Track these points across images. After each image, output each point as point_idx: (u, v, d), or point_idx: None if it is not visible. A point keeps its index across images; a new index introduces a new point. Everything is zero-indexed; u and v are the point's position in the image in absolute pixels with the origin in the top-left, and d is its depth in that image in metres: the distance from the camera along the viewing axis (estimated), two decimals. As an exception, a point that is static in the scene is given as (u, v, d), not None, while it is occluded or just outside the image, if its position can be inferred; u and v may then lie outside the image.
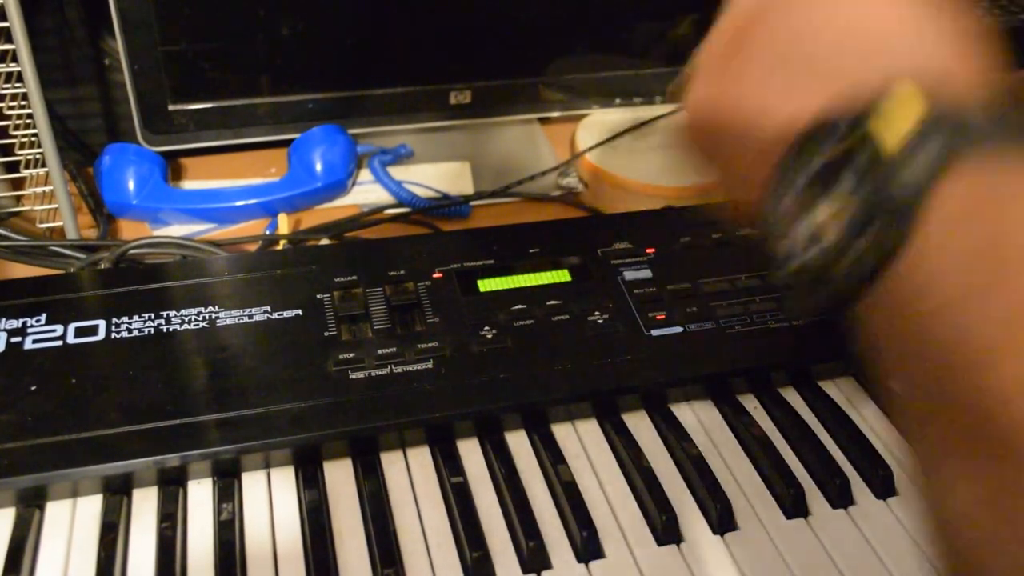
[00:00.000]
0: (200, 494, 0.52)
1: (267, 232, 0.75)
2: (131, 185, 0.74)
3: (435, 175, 0.83)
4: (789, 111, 0.28)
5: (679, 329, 0.60)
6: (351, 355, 0.55)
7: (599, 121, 0.89)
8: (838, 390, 0.61)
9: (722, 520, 0.51)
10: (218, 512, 0.50)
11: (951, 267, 0.23)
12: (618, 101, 0.88)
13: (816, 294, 0.26)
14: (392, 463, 0.54)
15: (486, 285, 0.61)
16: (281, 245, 0.72)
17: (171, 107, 0.76)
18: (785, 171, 0.27)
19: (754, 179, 0.29)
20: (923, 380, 0.24)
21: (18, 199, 0.75)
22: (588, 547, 0.49)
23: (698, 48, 0.37)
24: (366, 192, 0.81)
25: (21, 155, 0.70)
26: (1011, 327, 0.21)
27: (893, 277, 0.24)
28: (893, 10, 0.28)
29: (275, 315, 0.58)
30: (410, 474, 0.53)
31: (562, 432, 0.56)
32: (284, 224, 0.74)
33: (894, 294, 0.24)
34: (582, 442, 0.56)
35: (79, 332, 0.56)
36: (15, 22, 0.62)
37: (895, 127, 0.24)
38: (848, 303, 0.25)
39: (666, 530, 0.50)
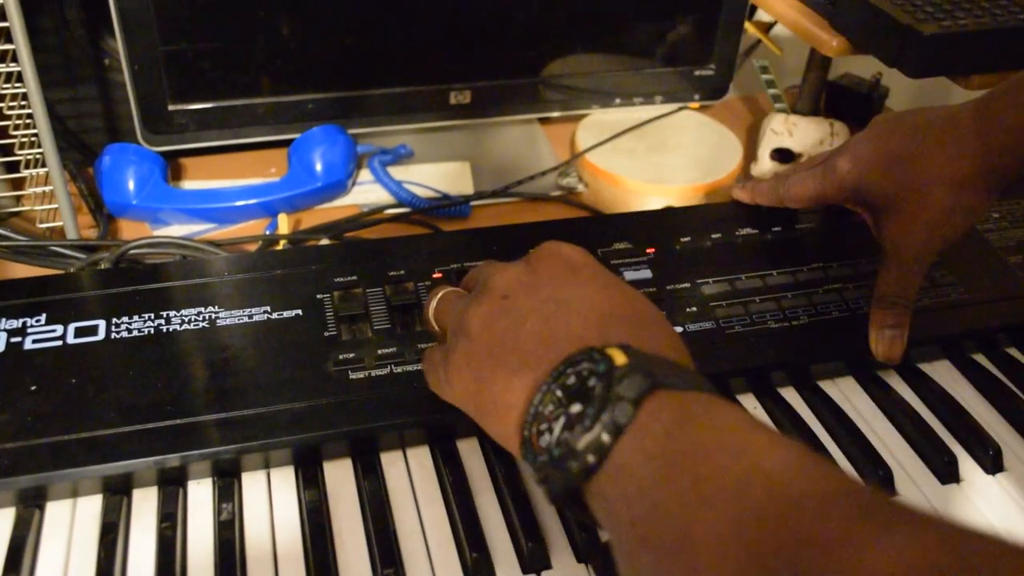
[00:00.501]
0: (200, 494, 0.52)
1: (267, 232, 0.75)
2: (131, 185, 0.74)
3: (435, 175, 0.83)
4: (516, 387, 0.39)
5: (679, 329, 0.60)
6: (351, 355, 0.55)
7: (599, 121, 0.89)
8: (838, 390, 0.61)
9: (722, 520, 0.51)
10: (218, 512, 0.50)
11: (651, 447, 0.32)
12: (618, 101, 0.88)
13: (566, 468, 0.34)
14: (392, 463, 0.54)
15: (486, 285, 0.61)
16: (281, 245, 0.72)
17: (171, 107, 0.76)
18: (547, 387, 0.37)
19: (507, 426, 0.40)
20: (631, 546, 0.32)
21: (18, 199, 0.75)
22: (588, 547, 0.49)
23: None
24: (366, 192, 0.81)
25: (21, 155, 0.70)
26: (684, 469, 0.31)
27: (614, 459, 0.33)
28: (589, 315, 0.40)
29: (275, 315, 0.58)
30: (410, 474, 0.53)
31: (562, 432, 0.56)
32: (284, 224, 0.74)
33: (612, 475, 0.33)
34: (582, 442, 0.56)
35: (79, 332, 0.56)
36: (15, 22, 0.62)
37: (618, 357, 0.35)
38: (588, 475, 0.33)
39: (666, 530, 0.50)
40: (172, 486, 0.51)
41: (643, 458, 0.32)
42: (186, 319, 0.57)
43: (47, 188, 0.70)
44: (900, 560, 0.24)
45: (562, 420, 0.35)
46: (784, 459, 0.29)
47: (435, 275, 0.62)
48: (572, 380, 0.36)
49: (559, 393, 0.36)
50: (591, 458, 0.33)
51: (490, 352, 0.41)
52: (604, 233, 0.66)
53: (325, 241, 0.73)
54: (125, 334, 0.56)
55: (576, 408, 0.34)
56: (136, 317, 0.57)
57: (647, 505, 0.31)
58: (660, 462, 0.31)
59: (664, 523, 0.30)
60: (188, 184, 0.82)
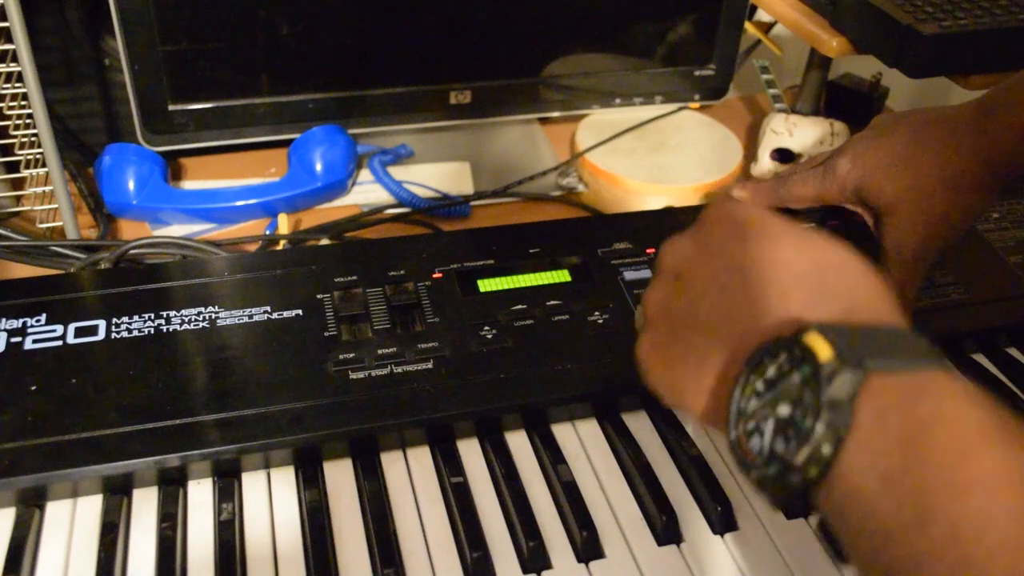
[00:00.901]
0: (200, 494, 0.52)
1: (267, 232, 0.75)
2: (131, 185, 0.74)
3: (435, 175, 0.83)
4: (717, 362, 0.36)
5: (679, 329, 0.60)
6: (351, 355, 0.55)
7: (599, 121, 0.89)
8: (838, 390, 0.61)
9: (722, 520, 0.51)
10: (218, 512, 0.50)
11: (876, 457, 0.29)
12: (618, 101, 0.88)
13: (786, 482, 0.31)
14: (392, 463, 0.54)
15: (486, 285, 0.61)
16: (281, 245, 0.72)
17: (171, 107, 0.76)
18: (745, 379, 0.33)
19: (710, 399, 0.36)
20: (868, 548, 0.29)
21: (18, 199, 0.75)
22: (588, 547, 0.49)
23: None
24: (366, 192, 0.81)
25: (21, 155, 0.70)
26: (923, 502, 0.27)
27: (841, 464, 0.30)
28: (792, 268, 0.35)
29: (275, 315, 0.58)
30: (410, 474, 0.53)
31: (562, 432, 0.57)
32: (284, 224, 0.74)
33: (841, 479, 0.30)
34: (582, 442, 0.56)
35: (79, 332, 0.56)
36: (15, 22, 0.62)
37: (822, 349, 0.30)
38: (812, 486, 0.30)
39: (666, 530, 0.50)
40: (172, 486, 0.51)
41: (867, 465, 0.29)
42: (186, 319, 0.57)
43: (47, 188, 0.70)
44: None
45: (771, 423, 0.31)
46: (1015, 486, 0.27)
47: (435, 275, 0.62)
48: (772, 372, 0.32)
49: (759, 386, 0.33)
50: (813, 472, 0.30)
51: (673, 336, 0.38)
52: (604, 233, 0.66)
53: (325, 241, 0.73)
54: (125, 334, 0.56)
55: (784, 411, 0.31)
56: (136, 317, 0.57)
57: (875, 520, 0.28)
58: (896, 469, 0.28)
59: (893, 542, 0.28)
60: (188, 184, 0.81)
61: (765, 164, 0.83)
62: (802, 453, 0.30)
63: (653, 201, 0.81)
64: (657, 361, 0.40)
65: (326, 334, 0.57)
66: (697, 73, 0.89)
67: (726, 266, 0.37)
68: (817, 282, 0.34)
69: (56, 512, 0.50)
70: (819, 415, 0.29)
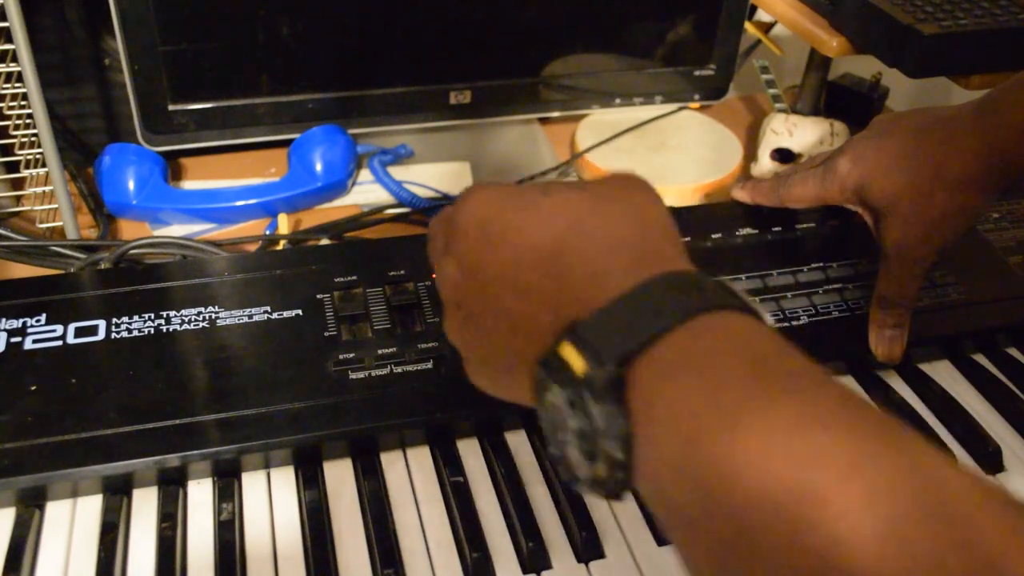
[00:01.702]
0: (200, 494, 0.52)
1: (267, 232, 0.75)
2: (131, 185, 0.74)
3: (435, 175, 0.83)
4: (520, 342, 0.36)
5: (679, 329, 0.60)
6: (351, 355, 0.55)
7: (599, 121, 0.89)
8: (838, 390, 0.61)
9: (722, 520, 0.51)
10: (218, 512, 0.50)
11: (661, 446, 0.29)
12: (618, 101, 0.88)
13: (607, 490, 0.31)
14: (392, 463, 0.54)
15: (486, 285, 0.61)
16: (281, 245, 0.72)
17: (171, 107, 0.76)
18: (540, 397, 0.34)
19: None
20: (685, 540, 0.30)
21: (18, 199, 0.75)
22: (588, 547, 0.49)
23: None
24: (366, 192, 0.81)
25: (21, 155, 0.70)
26: (703, 485, 0.28)
27: (637, 461, 0.30)
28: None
29: (275, 315, 0.58)
30: (410, 474, 0.53)
31: (562, 432, 0.56)
32: (284, 224, 0.74)
33: (642, 476, 0.30)
34: (582, 442, 0.56)
35: (79, 332, 0.56)
36: (15, 22, 0.62)
37: (576, 362, 0.31)
38: (627, 486, 0.31)
39: (666, 530, 0.50)
40: (172, 486, 0.51)
41: (660, 459, 0.29)
42: (186, 319, 0.57)
43: (47, 188, 0.70)
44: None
45: (576, 443, 0.32)
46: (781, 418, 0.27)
47: (435, 275, 0.61)
48: (550, 396, 0.33)
49: (545, 413, 0.33)
50: (619, 475, 0.31)
51: (482, 361, 0.41)
52: (604, 233, 0.66)
53: (325, 241, 0.73)
54: (125, 334, 0.56)
55: (575, 424, 0.31)
56: (136, 317, 0.57)
57: (686, 525, 0.29)
58: (673, 464, 0.29)
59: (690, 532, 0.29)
60: (188, 184, 0.81)
61: (765, 164, 0.83)
62: (600, 468, 0.31)
63: (653, 201, 0.81)
64: (482, 379, 0.42)
65: (326, 334, 0.57)
66: (697, 73, 0.89)
67: (488, 283, 0.37)
68: (559, 257, 0.35)
69: (56, 512, 0.50)
70: (595, 425, 0.30)
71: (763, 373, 0.29)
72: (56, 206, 0.71)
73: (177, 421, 0.51)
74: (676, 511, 0.29)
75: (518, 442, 0.56)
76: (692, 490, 0.28)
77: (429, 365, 0.56)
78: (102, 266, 0.68)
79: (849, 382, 0.61)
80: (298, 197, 0.78)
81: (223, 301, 0.59)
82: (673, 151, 0.86)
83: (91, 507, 0.51)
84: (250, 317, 0.58)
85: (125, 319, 0.57)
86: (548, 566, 0.49)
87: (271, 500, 0.52)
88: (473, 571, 0.48)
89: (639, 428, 0.30)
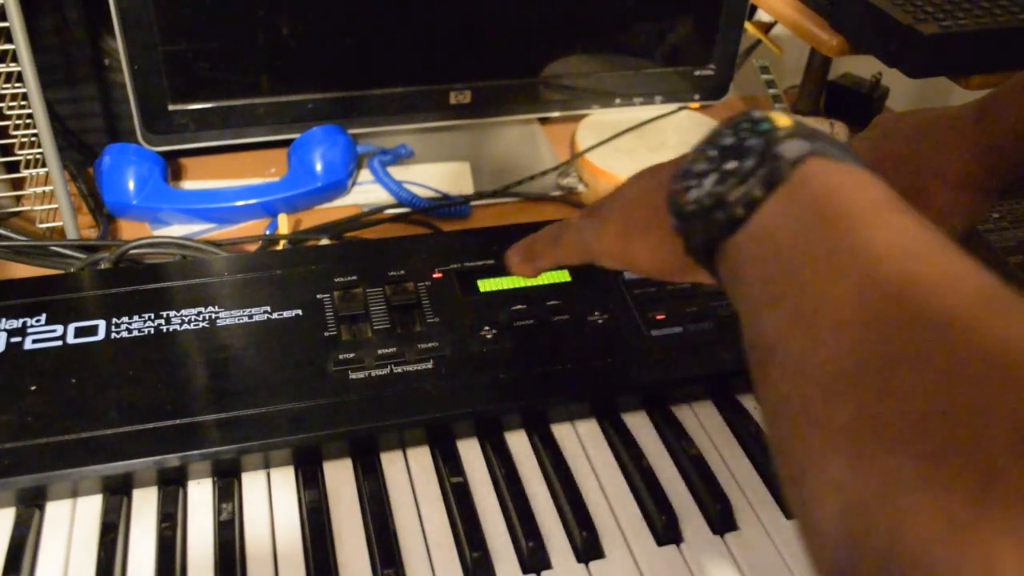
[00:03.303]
0: (200, 494, 0.52)
1: (267, 232, 0.75)
2: (131, 185, 0.74)
3: (435, 175, 0.83)
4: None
5: (679, 329, 0.60)
6: (351, 355, 0.55)
7: (599, 121, 0.89)
8: (838, 390, 0.61)
9: (722, 520, 0.51)
10: (218, 512, 0.50)
11: (793, 212, 0.32)
12: (618, 101, 0.88)
13: (711, 218, 0.34)
14: (392, 463, 0.54)
15: (486, 285, 0.61)
16: (281, 245, 0.72)
17: (171, 107, 0.76)
18: (701, 148, 0.36)
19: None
20: (764, 298, 0.32)
21: (18, 199, 0.75)
22: (588, 547, 0.49)
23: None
24: (366, 192, 0.81)
25: (21, 155, 0.70)
26: (825, 257, 0.30)
27: (761, 215, 0.32)
28: None
29: (275, 315, 0.58)
30: (410, 474, 0.53)
31: (562, 432, 0.56)
32: (284, 224, 0.74)
33: (754, 232, 0.33)
34: (582, 442, 0.56)
35: (79, 332, 0.56)
36: (15, 22, 0.62)
37: (782, 119, 0.35)
38: (733, 228, 0.33)
39: (666, 530, 0.50)
40: (172, 486, 0.51)
41: (787, 220, 0.31)
42: (186, 319, 0.57)
43: (47, 188, 0.70)
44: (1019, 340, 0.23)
45: (714, 176, 0.34)
46: (922, 239, 0.29)
47: (435, 275, 0.62)
48: (729, 140, 0.35)
49: (712, 152, 0.35)
50: (740, 211, 0.33)
51: (639, 190, 0.43)
52: (604, 233, 0.66)
53: (325, 241, 0.73)
54: (125, 334, 0.56)
55: (731, 165, 0.34)
56: (136, 317, 0.57)
57: (781, 266, 0.31)
58: (802, 226, 0.31)
59: (793, 285, 0.30)
60: (188, 184, 0.81)
61: (765, 164, 0.83)
62: (736, 191, 0.33)
63: (653, 201, 0.81)
64: (615, 201, 0.44)
65: (326, 334, 0.57)
66: (697, 73, 0.89)
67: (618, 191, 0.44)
68: None
69: (56, 512, 0.50)
70: (762, 163, 0.33)
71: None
72: (56, 206, 0.71)
73: (177, 421, 0.51)
74: (773, 261, 0.31)
75: (518, 442, 0.56)
76: (807, 254, 0.30)
77: (429, 365, 0.56)
78: (102, 266, 0.68)
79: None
80: (298, 197, 0.78)
81: (223, 301, 0.59)
82: (673, 151, 0.86)
83: (91, 507, 0.50)
84: (250, 317, 0.58)
85: (125, 319, 0.57)
86: (548, 566, 0.49)
87: (271, 500, 0.52)
88: (473, 571, 0.48)
89: (788, 187, 0.32)
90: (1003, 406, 0.22)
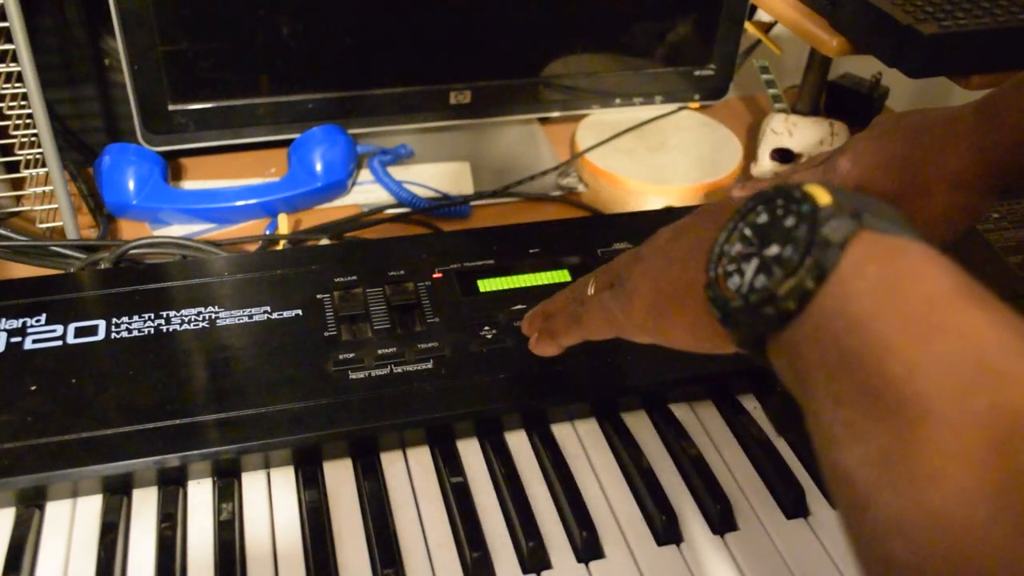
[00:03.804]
0: (200, 494, 0.52)
1: (267, 232, 0.75)
2: (131, 185, 0.74)
3: (435, 175, 0.83)
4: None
5: (679, 329, 0.60)
6: (351, 355, 0.55)
7: (599, 121, 0.89)
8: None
9: (722, 520, 0.51)
10: (218, 512, 0.50)
11: (855, 297, 0.30)
12: (618, 101, 0.88)
13: (759, 314, 0.32)
14: (392, 463, 0.54)
15: (486, 285, 0.61)
16: (281, 245, 0.72)
17: (171, 107, 0.76)
18: (733, 225, 0.35)
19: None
20: (822, 380, 0.30)
21: (18, 199, 0.75)
22: (588, 547, 0.49)
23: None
24: (366, 192, 0.81)
25: (21, 155, 0.70)
26: (887, 342, 0.28)
27: (817, 300, 0.31)
28: None
29: (275, 315, 0.58)
30: (410, 474, 0.53)
31: (562, 432, 0.56)
32: (284, 224, 0.74)
33: (808, 324, 0.31)
34: (582, 442, 0.56)
35: (79, 332, 0.56)
36: (15, 22, 0.62)
37: (822, 196, 0.32)
38: (785, 323, 0.31)
39: (666, 530, 0.50)
40: (172, 486, 0.51)
41: (840, 304, 0.30)
42: (186, 319, 0.57)
43: (47, 188, 0.70)
44: None
45: (755, 262, 0.32)
46: (999, 337, 0.27)
47: (435, 275, 0.62)
48: (764, 218, 0.33)
49: (748, 232, 0.33)
50: (791, 304, 0.31)
51: (667, 260, 0.41)
52: (604, 233, 0.66)
53: (325, 241, 0.73)
54: (125, 334, 0.56)
55: (773, 250, 0.32)
56: (136, 317, 0.57)
57: (846, 364, 0.29)
58: (855, 309, 0.29)
59: (868, 396, 0.28)
60: (188, 184, 0.82)
61: (765, 164, 0.83)
62: (786, 285, 0.31)
63: (653, 201, 0.81)
64: (647, 282, 0.42)
65: (326, 334, 0.57)
66: (697, 73, 0.89)
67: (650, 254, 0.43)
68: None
69: (56, 512, 0.50)
70: (810, 251, 0.31)
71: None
72: (56, 206, 0.71)
73: (177, 421, 0.51)
74: (833, 352, 0.30)
75: (518, 442, 0.56)
76: (864, 343, 0.28)
77: (429, 365, 0.56)
78: (102, 266, 0.68)
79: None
80: (298, 197, 0.78)
81: (223, 301, 0.59)
82: (673, 151, 0.86)
83: (91, 507, 0.50)
84: (250, 317, 0.58)
85: (125, 319, 0.57)
86: (548, 566, 0.49)
87: (271, 500, 0.52)
88: (473, 571, 0.48)
89: (841, 274, 0.30)
90: None
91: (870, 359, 0.28)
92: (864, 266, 0.30)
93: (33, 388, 0.52)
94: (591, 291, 0.48)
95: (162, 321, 0.57)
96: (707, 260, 0.35)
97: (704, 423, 0.58)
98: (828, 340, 0.30)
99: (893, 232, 0.31)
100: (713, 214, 0.40)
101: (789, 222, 0.32)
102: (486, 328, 0.58)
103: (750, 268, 0.33)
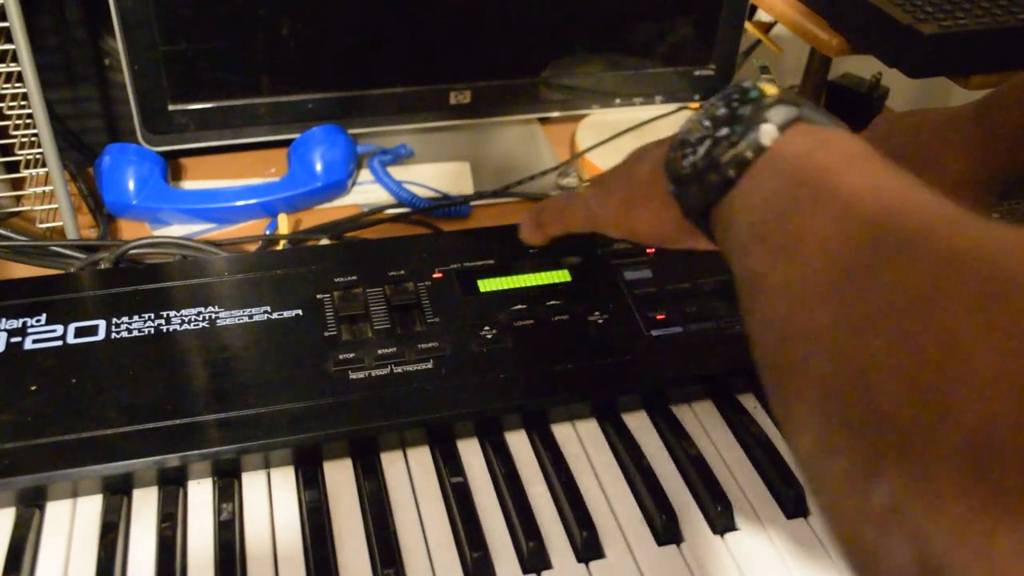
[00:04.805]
0: (200, 494, 0.52)
1: (267, 232, 0.75)
2: (131, 185, 0.74)
3: (435, 175, 0.83)
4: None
5: (679, 329, 0.60)
6: (351, 355, 0.55)
7: (599, 121, 0.89)
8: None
9: (722, 520, 0.51)
10: (218, 512, 0.50)
11: (783, 165, 0.34)
12: (618, 101, 0.88)
13: (704, 180, 0.36)
14: (392, 463, 0.54)
15: (486, 285, 0.61)
16: (281, 245, 0.72)
17: (171, 107, 0.76)
18: (697, 118, 0.38)
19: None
20: (752, 251, 0.34)
21: (18, 199, 0.75)
22: (588, 547, 0.49)
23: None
24: (366, 192, 0.81)
25: (21, 155, 0.70)
26: (797, 216, 0.32)
27: (750, 174, 0.35)
28: None
29: (275, 315, 0.58)
30: (410, 474, 0.53)
31: (562, 432, 0.57)
32: (284, 224, 0.74)
33: (745, 189, 0.35)
34: (582, 442, 0.56)
35: (79, 332, 0.56)
36: (15, 22, 0.62)
37: (770, 89, 0.37)
38: (726, 189, 0.35)
39: (666, 530, 0.50)
40: (172, 486, 0.51)
41: (775, 176, 0.34)
42: (186, 319, 0.57)
43: (47, 188, 0.70)
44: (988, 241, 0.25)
45: (708, 143, 0.36)
46: (895, 179, 0.31)
47: (435, 275, 0.62)
48: (722, 111, 0.37)
49: (706, 123, 0.37)
50: (731, 171, 0.35)
51: (642, 162, 0.44)
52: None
53: (325, 241, 0.73)
54: (125, 334, 0.56)
55: (723, 132, 0.36)
56: (136, 317, 0.57)
57: (768, 212, 0.33)
58: (788, 180, 0.33)
59: (779, 226, 0.32)
60: (188, 184, 0.81)
61: (765, 164, 0.83)
62: (728, 153, 0.35)
63: (653, 201, 0.81)
64: (618, 173, 0.46)
65: (326, 334, 0.57)
66: (697, 73, 0.89)
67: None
68: None
69: (56, 512, 0.50)
70: (752, 126, 0.35)
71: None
72: (56, 206, 0.71)
73: (177, 421, 0.51)
74: (760, 209, 0.33)
75: (518, 442, 0.56)
76: (789, 190, 0.33)
77: (429, 365, 0.56)
78: (102, 266, 0.68)
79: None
80: (298, 197, 0.78)
81: (223, 301, 0.59)
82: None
83: (91, 507, 0.50)
84: (250, 317, 0.58)
85: (125, 319, 0.57)
86: (548, 566, 0.49)
87: (271, 500, 0.52)
88: (473, 571, 0.48)
89: (775, 149, 0.35)
90: (960, 296, 0.24)
91: (792, 225, 0.32)
92: (794, 143, 0.34)
93: (33, 388, 0.52)
94: (580, 190, 0.52)
95: (162, 321, 0.57)
96: (667, 151, 0.40)
97: (704, 423, 0.58)
98: (758, 200, 0.34)
99: (828, 126, 0.36)
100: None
101: (741, 111, 0.36)
102: (486, 328, 0.58)
103: (703, 147, 0.37)
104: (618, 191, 0.46)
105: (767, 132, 0.35)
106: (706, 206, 0.37)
